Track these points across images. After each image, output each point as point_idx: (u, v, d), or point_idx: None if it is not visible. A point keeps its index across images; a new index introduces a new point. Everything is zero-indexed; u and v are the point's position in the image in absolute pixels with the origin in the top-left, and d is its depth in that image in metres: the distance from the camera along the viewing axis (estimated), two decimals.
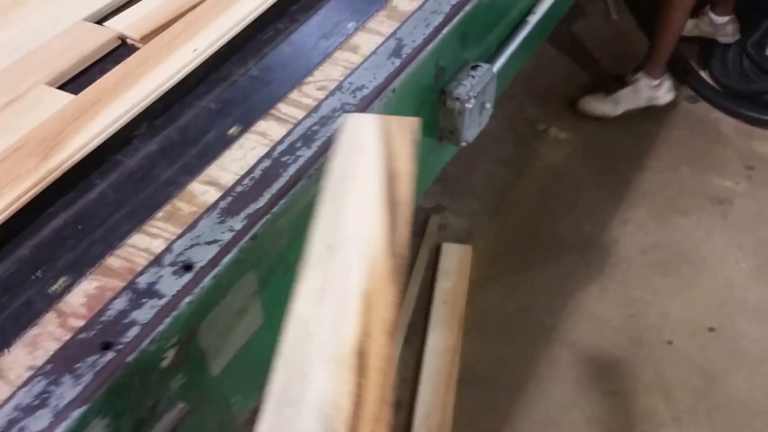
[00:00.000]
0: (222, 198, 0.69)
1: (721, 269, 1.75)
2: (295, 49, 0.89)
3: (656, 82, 2.12)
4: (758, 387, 1.52)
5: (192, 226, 0.67)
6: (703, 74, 2.32)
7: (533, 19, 1.14)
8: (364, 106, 0.79)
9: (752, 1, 2.36)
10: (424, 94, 0.91)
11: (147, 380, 0.60)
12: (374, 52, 0.85)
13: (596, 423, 1.47)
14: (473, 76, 0.96)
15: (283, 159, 0.72)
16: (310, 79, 0.84)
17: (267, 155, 0.73)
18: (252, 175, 0.71)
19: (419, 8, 0.92)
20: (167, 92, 0.80)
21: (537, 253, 1.81)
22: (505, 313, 1.68)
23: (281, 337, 0.60)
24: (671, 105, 2.20)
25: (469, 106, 0.94)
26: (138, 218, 0.68)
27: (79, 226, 0.68)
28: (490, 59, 1.06)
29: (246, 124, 0.78)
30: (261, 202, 0.68)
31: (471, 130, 0.99)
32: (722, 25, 2.32)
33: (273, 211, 0.68)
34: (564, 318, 1.66)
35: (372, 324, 0.62)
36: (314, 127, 0.76)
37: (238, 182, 0.70)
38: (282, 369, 0.59)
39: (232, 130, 0.77)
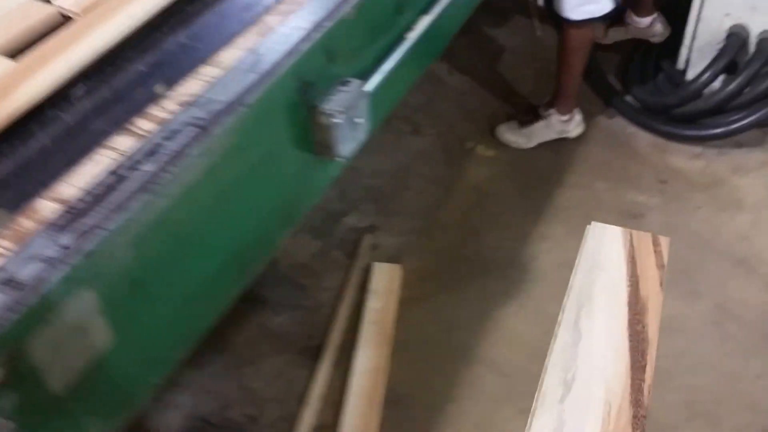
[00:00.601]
0: (59, 215, 0.70)
1: None
2: (159, 64, 0.91)
3: (566, 117, 2.23)
4: (663, 402, 1.56)
5: (25, 242, 0.67)
6: (620, 90, 2.42)
7: (412, 36, 1.18)
8: (214, 121, 0.81)
9: (667, 18, 2.49)
10: (289, 110, 0.93)
11: None
12: (233, 67, 0.88)
13: None
14: (343, 92, 0.99)
15: (125, 174, 0.74)
16: (170, 93, 0.86)
17: (111, 170, 0.74)
18: (93, 191, 0.72)
19: (282, 24, 0.95)
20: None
21: (461, 273, 1.85)
22: (429, 333, 1.72)
23: None
24: (589, 120, 2.29)
25: (338, 120, 0.97)
26: None
27: None
28: (366, 75, 1.09)
29: (102, 140, 0.79)
30: (96, 218, 0.69)
31: (344, 144, 1.01)
32: (649, 26, 2.46)
33: (108, 227, 0.69)
34: (484, 337, 1.69)
35: None
36: (160, 141, 0.77)
37: (80, 199, 0.71)
38: None
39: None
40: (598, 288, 0.69)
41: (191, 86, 0.86)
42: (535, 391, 1.55)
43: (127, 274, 0.73)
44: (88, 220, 0.69)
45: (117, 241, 0.70)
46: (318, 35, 0.94)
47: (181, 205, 0.77)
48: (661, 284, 0.71)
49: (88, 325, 0.70)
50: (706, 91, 2.27)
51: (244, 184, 0.88)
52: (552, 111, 2.23)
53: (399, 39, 1.18)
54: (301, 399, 1.59)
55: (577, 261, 0.67)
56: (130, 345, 0.76)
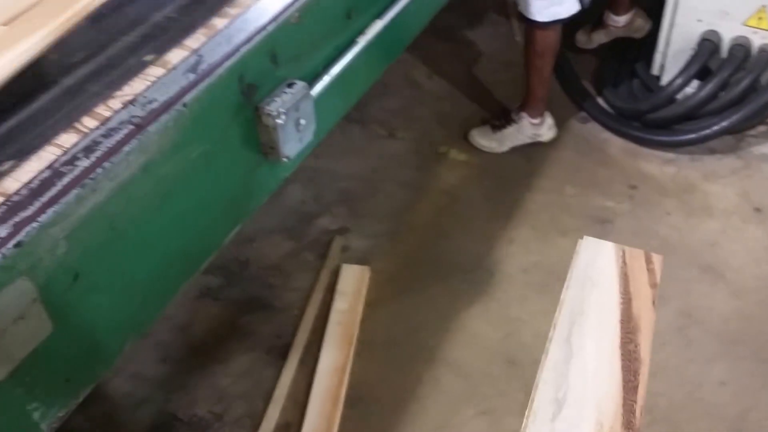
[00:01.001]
0: None
1: None
2: (112, 62, 0.95)
3: (537, 120, 2.28)
4: None
5: None
6: (595, 95, 2.47)
7: (363, 40, 1.23)
8: (151, 119, 0.85)
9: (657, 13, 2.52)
10: (231, 110, 0.98)
11: None
12: (174, 67, 0.93)
13: None
14: (287, 93, 1.04)
15: (62, 169, 0.78)
16: (118, 93, 0.91)
17: (49, 166, 0.79)
18: (30, 185, 0.77)
19: (226, 27, 1.00)
20: None
21: (428, 275, 1.90)
22: (392, 334, 1.76)
23: None
24: (562, 124, 2.34)
25: (280, 121, 1.01)
26: None
27: None
28: (315, 78, 1.14)
29: (49, 138, 0.84)
30: (30, 210, 0.74)
31: (289, 145, 1.06)
32: (629, 24, 2.51)
33: (40, 219, 0.73)
34: (446, 338, 1.73)
35: None
36: (98, 139, 0.82)
37: (16, 192, 0.76)
38: None
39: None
40: (591, 304, 0.71)
41: (137, 86, 0.91)
42: (497, 393, 1.60)
43: (65, 266, 0.77)
44: (24, 213, 0.73)
45: (50, 232, 0.75)
46: (260, 38, 0.99)
47: (117, 199, 0.82)
48: (653, 303, 0.74)
49: (26, 313, 0.75)
50: (679, 96, 2.31)
51: (186, 182, 0.92)
52: (523, 114, 2.27)
53: (350, 43, 1.23)
54: (267, 397, 1.64)
55: (569, 275, 0.70)
56: (71, 334, 0.80)
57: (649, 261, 0.74)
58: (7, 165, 0.79)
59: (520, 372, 1.66)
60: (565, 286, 0.70)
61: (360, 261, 1.93)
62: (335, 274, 1.89)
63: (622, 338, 0.70)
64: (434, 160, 2.26)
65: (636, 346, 0.71)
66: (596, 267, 0.72)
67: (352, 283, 1.86)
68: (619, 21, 2.50)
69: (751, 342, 1.73)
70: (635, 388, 0.69)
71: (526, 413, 0.66)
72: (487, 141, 2.31)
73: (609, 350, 0.68)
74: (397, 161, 2.26)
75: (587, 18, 2.38)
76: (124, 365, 1.71)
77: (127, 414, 1.63)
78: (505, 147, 2.30)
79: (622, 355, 0.69)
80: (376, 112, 2.43)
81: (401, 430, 1.55)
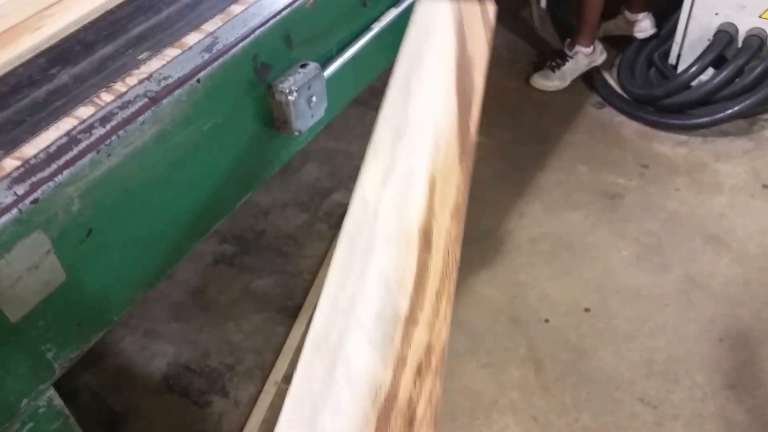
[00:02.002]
0: (16, 169, 0.74)
1: (603, 257, 1.78)
2: (133, 45, 0.94)
3: (590, 49, 2.30)
4: (623, 362, 1.54)
5: None
6: (612, 82, 2.36)
7: (377, 27, 1.18)
8: (166, 93, 0.84)
9: (661, 19, 2.42)
10: (243, 87, 0.95)
11: None
12: (190, 47, 0.91)
13: (468, 391, 1.50)
14: (300, 73, 1.01)
15: (79, 136, 0.78)
16: (136, 71, 0.90)
17: (66, 133, 0.78)
18: (48, 149, 0.76)
19: (242, 12, 0.97)
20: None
21: None
22: None
23: (346, 217, 0.57)
24: (578, 110, 2.24)
25: (292, 98, 0.99)
26: None
27: None
28: (329, 61, 1.10)
29: (66, 111, 0.83)
30: (47, 171, 0.73)
31: (301, 120, 1.03)
32: (637, 22, 2.41)
33: (56, 179, 0.73)
34: (455, 300, 1.69)
35: (437, 205, 0.59)
36: (114, 110, 0.81)
37: (34, 156, 0.75)
38: (345, 246, 0.56)
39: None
40: (428, 51, 0.67)
41: (153, 65, 0.89)
42: (500, 348, 1.56)
43: (78, 222, 0.77)
44: (41, 174, 0.73)
45: (66, 191, 0.74)
46: (275, 22, 0.96)
47: (131, 164, 0.81)
48: (487, 43, 0.70)
49: (40, 263, 0.75)
50: (694, 83, 2.19)
51: (197, 151, 0.90)
52: (577, 48, 2.29)
53: (365, 29, 1.19)
54: (276, 351, 1.61)
55: (406, 33, 0.66)
56: (83, 284, 0.80)
57: (484, 10, 0.70)
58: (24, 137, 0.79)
59: (523, 329, 1.61)
60: (401, 43, 0.65)
61: None
62: None
63: (457, 74, 0.66)
64: None
65: (471, 79, 0.68)
66: (433, 20, 0.68)
67: None
68: (631, 17, 2.41)
69: (750, 303, 1.64)
70: (469, 108, 0.65)
71: (367, 149, 0.62)
72: (549, 81, 2.33)
73: (445, 85, 0.65)
74: None
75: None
76: (138, 323, 1.70)
77: (140, 367, 1.62)
78: (567, 81, 2.33)
79: (457, 86, 0.66)
80: None
81: None
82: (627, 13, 2.39)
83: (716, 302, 1.66)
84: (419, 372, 0.51)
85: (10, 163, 0.76)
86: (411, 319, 0.52)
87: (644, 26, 2.40)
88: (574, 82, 2.35)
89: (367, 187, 0.60)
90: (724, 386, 1.49)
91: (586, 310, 1.65)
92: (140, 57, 0.88)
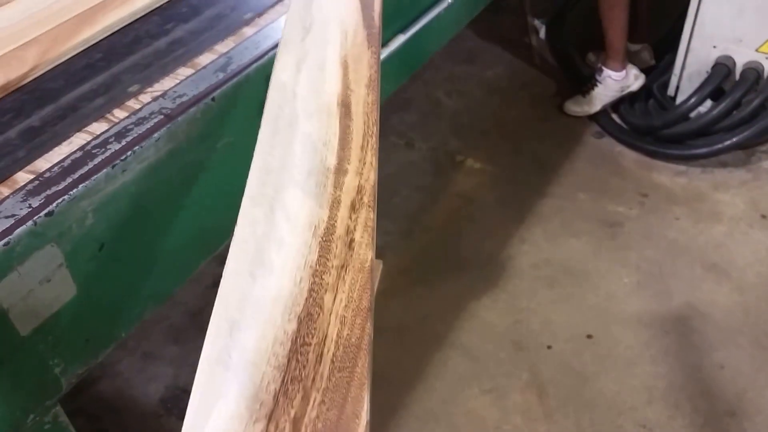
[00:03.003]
0: (30, 182, 0.75)
1: (604, 284, 1.78)
2: (145, 65, 0.95)
3: (621, 74, 2.24)
4: (625, 388, 1.54)
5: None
6: (611, 112, 2.39)
7: (384, 53, 1.21)
8: (180, 111, 0.85)
9: (665, 50, 2.46)
10: (257, 106, 0.96)
11: None
12: (204, 67, 0.92)
13: (472, 416, 1.49)
14: None
15: (94, 151, 0.78)
16: (149, 89, 0.91)
17: (81, 148, 0.79)
18: (62, 163, 0.77)
19: (255, 34, 0.99)
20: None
21: (440, 269, 1.85)
22: (403, 321, 1.72)
23: (265, 103, 0.62)
24: (578, 139, 2.26)
25: None
26: None
27: None
28: None
29: (80, 127, 0.84)
30: (62, 185, 0.74)
31: None
32: (637, 53, 2.43)
33: (72, 192, 0.73)
34: (456, 326, 1.69)
35: (353, 81, 0.64)
36: (129, 126, 0.82)
37: (48, 169, 0.76)
38: (269, 123, 0.61)
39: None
40: None
41: (167, 83, 0.91)
42: (502, 373, 1.55)
43: (91, 236, 0.78)
44: (56, 187, 0.74)
45: (80, 205, 0.75)
46: None
47: (145, 180, 0.82)
48: None
49: (52, 277, 0.75)
50: (693, 114, 2.23)
51: (209, 168, 0.91)
52: (605, 73, 2.24)
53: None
54: None
55: None
56: (93, 299, 0.80)
57: None
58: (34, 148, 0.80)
59: (526, 355, 1.61)
60: None
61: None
62: None
63: None
64: (451, 168, 2.21)
65: None
66: None
67: None
68: (631, 47, 2.42)
69: (750, 332, 1.65)
70: (371, 2, 0.71)
71: (278, 47, 0.68)
72: (579, 107, 2.30)
73: None
74: (415, 168, 2.21)
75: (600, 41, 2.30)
76: (136, 345, 1.69)
77: (137, 389, 1.60)
78: (597, 107, 2.28)
79: None
80: (396, 124, 2.39)
81: (409, 404, 1.52)
82: (628, 44, 2.43)
83: (717, 330, 1.66)
84: (353, 207, 0.57)
85: (24, 176, 0.77)
86: (340, 170, 0.58)
87: (644, 57, 2.44)
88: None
89: (282, 73, 0.65)
90: (725, 413, 1.48)
91: (589, 336, 1.65)
92: (130, 89, 0.89)
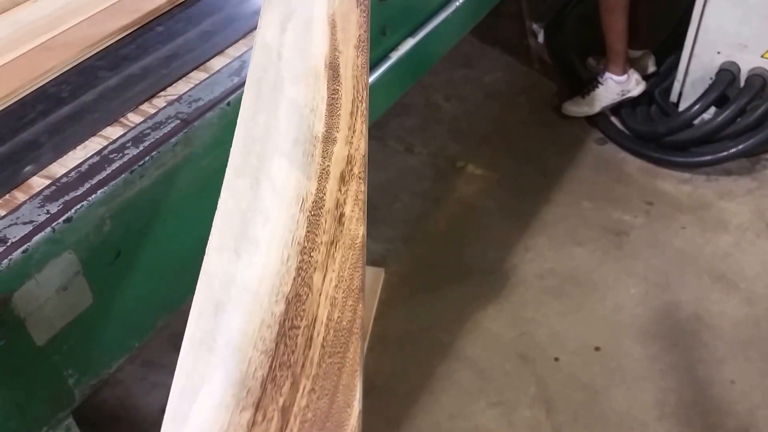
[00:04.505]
0: (47, 187, 0.76)
1: (611, 294, 1.81)
2: (158, 68, 0.97)
3: (623, 78, 2.30)
4: (635, 403, 1.57)
5: (15, 209, 0.73)
6: (613, 119, 2.43)
7: (395, 56, 1.23)
8: (197, 115, 0.86)
9: (665, 55, 2.51)
10: None
11: None
12: (218, 71, 0.94)
13: (480, 431, 1.51)
14: None
15: (111, 156, 0.80)
16: (162, 93, 0.92)
17: (98, 153, 0.80)
18: (79, 169, 0.78)
19: None
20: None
21: (443, 277, 1.87)
22: (407, 331, 1.74)
23: (250, 64, 0.60)
24: (581, 146, 2.30)
25: None
26: None
27: None
28: None
29: (94, 131, 0.85)
30: (80, 191, 0.75)
31: None
32: (638, 59, 2.48)
33: (90, 198, 0.75)
34: (461, 336, 1.71)
35: (341, 42, 0.62)
36: (146, 130, 0.83)
37: (65, 174, 0.77)
38: (252, 87, 0.58)
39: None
40: None
41: (180, 87, 0.92)
42: (509, 386, 1.57)
43: (108, 243, 0.79)
44: (74, 193, 0.75)
45: (98, 212, 0.76)
46: None
47: (162, 186, 0.83)
48: None
49: (69, 285, 0.76)
50: (697, 121, 2.27)
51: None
52: (608, 75, 2.30)
53: (383, 57, 1.23)
54: None
55: None
56: (109, 307, 0.81)
57: None
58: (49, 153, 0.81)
59: (533, 368, 1.63)
60: None
61: (375, 264, 1.91)
62: None
63: None
64: (451, 174, 2.24)
65: None
66: None
67: (367, 282, 1.84)
68: (632, 54, 2.47)
69: (760, 345, 1.68)
70: None
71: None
72: (578, 107, 2.36)
73: None
74: (415, 174, 2.24)
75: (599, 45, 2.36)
76: (137, 353, 1.69)
77: (139, 398, 1.61)
78: (596, 108, 2.33)
79: None
80: (394, 129, 2.42)
81: (414, 418, 1.53)
82: (628, 50, 2.48)
83: (726, 343, 1.70)
84: (343, 179, 0.55)
85: (39, 181, 0.78)
86: (328, 138, 0.56)
87: (644, 63, 2.49)
88: (574, 117, 2.41)
89: (266, 32, 0.63)
90: (737, 429, 1.52)
91: (597, 348, 1.68)
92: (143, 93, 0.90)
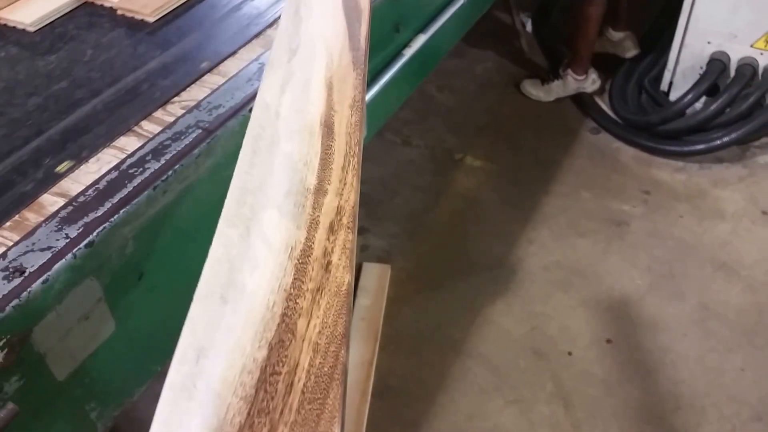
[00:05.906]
0: (63, 207, 0.67)
1: (618, 286, 1.77)
2: (168, 71, 0.88)
3: (581, 77, 2.36)
4: (650, 395, 1.52)
5: (30, 233, 0.65)
6: (605, 107, 2.39)
7: (408, 52, 1.16)
8: (219, 124, 0.78)
9: (651, 43, 2.47)
10: None
11: None
12: (236, 74, 0.86)
13: (498, 430, 1.45)
14: None
15: (131, 171, 0.71)
16: (176, 99, 0.84)
17: (115, 167, 0.72)
18: (97, 186, 0.70)
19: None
20: None
21: (449, 273, 1.81)
22: (418, 329, 1.67)
23: (249, 123, 0.61)
24: (575, 135, 2.25)
25: None
26: None
27: None
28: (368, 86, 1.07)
29: (107, 141, 0.77)
30: (100, 211, 0.67)
31: None
32: (620, 41, 2.49)
33: (112, 219, 0.66)
34: (472, 332, 1.65)
35: (337, 101, 0.64)
36: (166, 142, 0.75)
37: (82, 193, 0.69)
38: (250, 143, 0.59)
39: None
40: None
41: (195, 92, 0.84)
42: (525, 383, 1.52)
43: (131, 265, 0.71)
44: (94, 213, 0.67)
45: (121, 233, 0.68)
46: None
47: (185, 201, 0.75)
48: None
49: (90, 313, 0.68)
50: (689, 111, 2.23)
51: None
52: (568, 72, 2.35)
53: (397, 55, 1.16)
54: None
55: None
56: (131, 333, 0.74)
57: None
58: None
59: (547, 363, 1.58)
60: None
61: (379, 259, 1.84)
62: (357, 272, 1.80)
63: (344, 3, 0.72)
64: (450, 166, 2.17)
65: (356, 1, 0.73)
66: None
67: (374, 280, 1.77)
68: (614, 36, 2.49)
69: (765, 333, 1.65)
70: (358, 25, 0.71)
71: (264, 69, 0.68)
72: (535, 90, 2.42)
73: (332, 8, 0.71)
74: (414, 167, 2.18)
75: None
76: None
77: (141, 411, 1.53)
78: (551, 98, 2.40)
79: (344, 8, 0.71)
80: (390, 121, 2.34)
81: (432, 420, 1.47)
82: (610, 31, 2.47)
83: (733, 331, 1.67)
84: (332, 229, 0.56)
85: (51, 199, 0.69)
86: (320, 190, 0.57)
87: (627, 45, 2.48)
88: (566, 106, 2.38)
89: (266, 93, 0.64)
90: (751, 418, 1.48)
91: (608, 341, 1.63)
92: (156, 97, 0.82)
